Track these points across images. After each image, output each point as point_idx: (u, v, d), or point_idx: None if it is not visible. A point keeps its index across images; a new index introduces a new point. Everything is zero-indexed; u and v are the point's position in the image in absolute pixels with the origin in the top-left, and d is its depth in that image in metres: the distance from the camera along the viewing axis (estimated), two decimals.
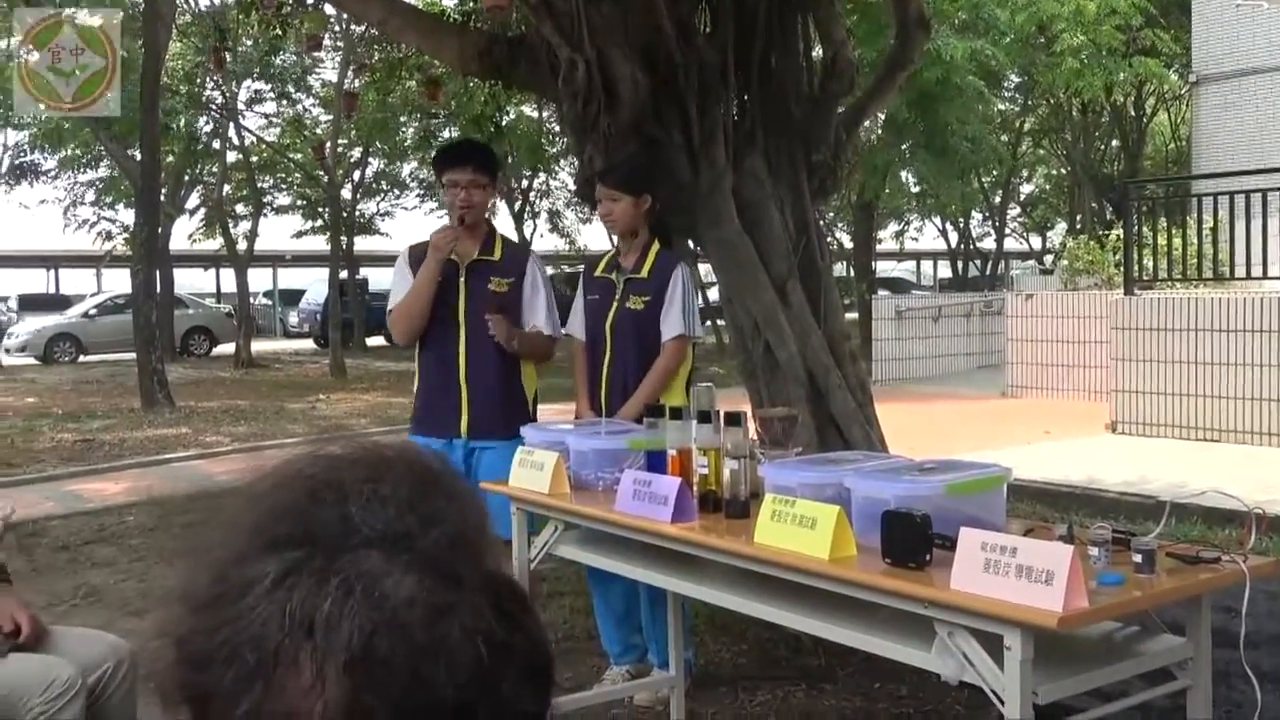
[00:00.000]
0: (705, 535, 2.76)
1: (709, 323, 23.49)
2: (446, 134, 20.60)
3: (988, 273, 30.97)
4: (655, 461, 3.14)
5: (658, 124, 5.32)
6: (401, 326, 4.05)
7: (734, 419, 2.84)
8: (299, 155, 23.64)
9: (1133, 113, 26.37)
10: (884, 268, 41.63)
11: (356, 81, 17.32)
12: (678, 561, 2.92)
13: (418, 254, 4.05)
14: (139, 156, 14.53)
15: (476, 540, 0.72)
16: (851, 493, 2.50)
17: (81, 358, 24.51)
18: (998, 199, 29.04)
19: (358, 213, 26.69)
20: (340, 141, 21.88)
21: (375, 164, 26.69)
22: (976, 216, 32.75)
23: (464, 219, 3.94)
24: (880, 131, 17.84)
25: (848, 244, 25.53)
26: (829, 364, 5.44)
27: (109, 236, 24.81)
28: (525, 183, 24.33)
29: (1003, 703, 2.08)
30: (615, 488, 3.04)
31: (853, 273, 23.45)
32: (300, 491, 0.70)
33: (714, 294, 23.26)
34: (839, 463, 2.76)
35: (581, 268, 4.63)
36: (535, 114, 21.65)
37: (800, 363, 5.42)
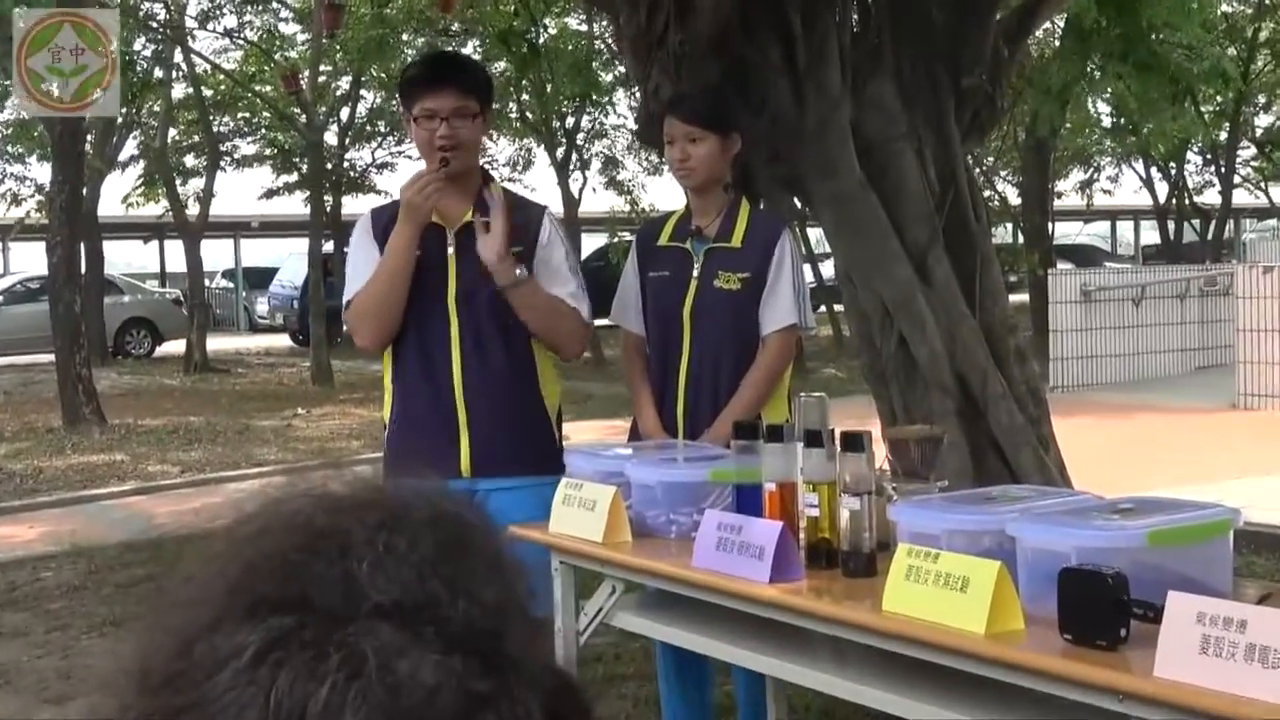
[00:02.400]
0: (815, 600, 2.76)
1: (821, 308, 23.42)
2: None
3: (1210, 237, 30.48)
4: (747, 499, 3.14)
5: (747, 39, 5.35)
6: (367, 325, 3.86)
7: (855, 442, 2.84)
8: (268, 88, 24.02)
9: None
10: (1065, 231, 41.26)
11: None
12: (778, 635, 2.93)
13: (384, 220, 3.92)
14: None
15: (520, 617, 0.73)
16: (1017, 543, 2.49)
17: None
18: (1224, 135, 28.55)
19: (346, 164, 27.09)
20: (322, 69, 22.21)
21: (369, 99, 27.08)
22: (1195, 160, 32.24)
23: (447, 162, 3.77)
24: (1058, 42, 17.64)
25: (1014, 199, 25.30)
26: (987, 365, 5.43)
27: (17, 200, 25.46)
28: (570, 120, 24.41)
29: None
30: (693, 535, 3.05)
31: (1021, 238, 23.23)
32: (293, 541, 0.71)
33: (827, 269, 23.20)
34: (1000, 501, 2.74)
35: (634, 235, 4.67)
36: (583, 27, 21.76)
37: (947, 364, 5.41)
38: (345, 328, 4.06)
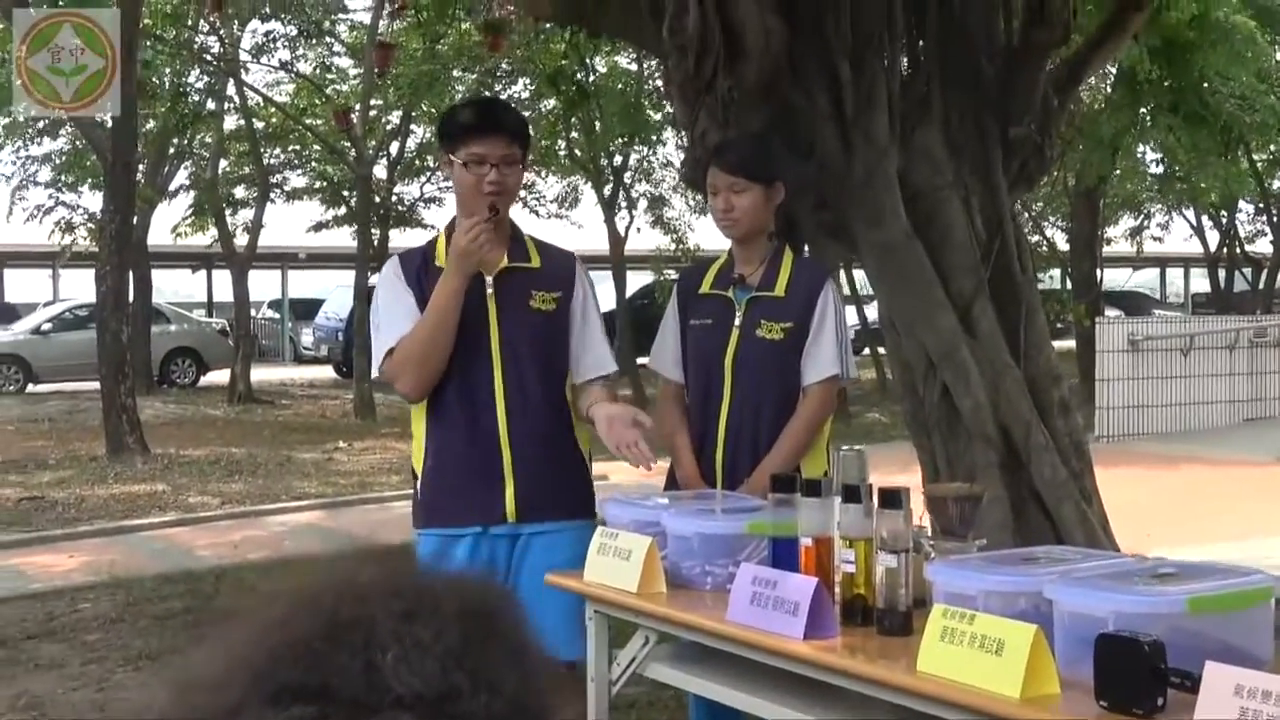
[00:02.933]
0: (849, 658, 2.75)
1: (865, 350, 23.39)
2: (508, 93, 20.92)
3: (1261, 287, 30.23)
4: (783, 553, 3.14)
5: (795, 85, 5.37)
6: (411, 374, 3.84)
7: (892, 498, 2.83)
8: (318, 121, 24.26)
9: None
10: (1114, 278, 40.99)
11: (394, 25, 17.70)
12: (812, 691, 2.91)
13: (415, 264, 3.94)
14: (108, 122, 14.99)
15: (540, 704, 0.73)
16: (1055, 606, 2.47)
17: (30, 387, 25.42)
18: (1277, 184, 28.36)
19: (394, 198, 27.25)
20: (373, 104, 22.41)
21: (419, 134, 27.25)
22: (1246, 208, 32.01)
23: (496, 209, 3.80)
24: (1109, 90, 17.60)
25: (1063, 244, 25.21)
26: (1030, 417, 5.40)
27: (69, 228, 25.68)
28: (618, 158, 24.51)
29: None
30: (728, 587, 3.05)
31: (1069, 285, 23.12)
32: (317, 629, 0.72)
33: (872, 311, 23.13)
34: (1038, 563, 2.73)
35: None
36: (633, 66, 21.90)
37: (990, 415, 5.39)
38: (377, 374, 4.03)
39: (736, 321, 4.09)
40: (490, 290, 3.89)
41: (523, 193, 30.39)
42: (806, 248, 5.39)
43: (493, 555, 3.88)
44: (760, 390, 4.05)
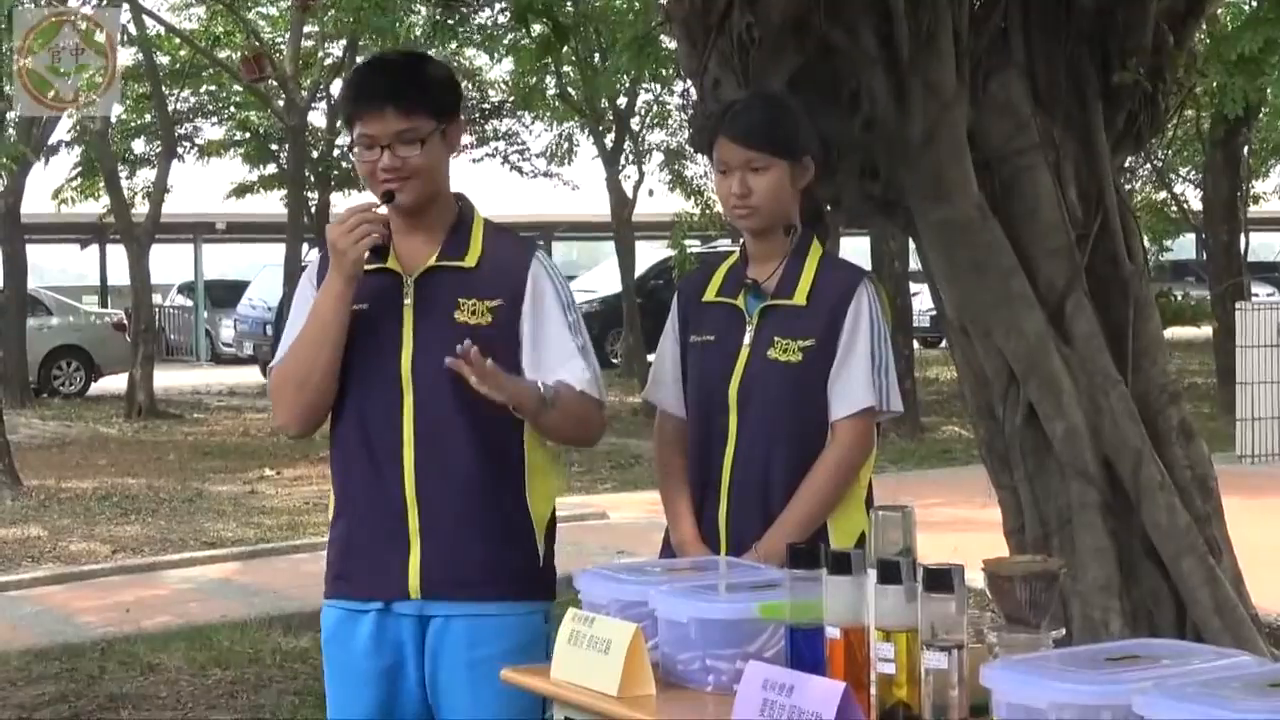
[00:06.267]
0: None
1: (943, 343, 23.33)
2: (476, 22, 20.83)
3: None
4: (804, 646, 3.11)
5: (835, 21, 5.35)
6: (288, 400, 3.90)
7: (942, 579, 2.80)
8: (238, 55, 24.27)
9: None
10: (1264, 245, 40.84)
11: None
12: None
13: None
14: None
15: None
16: None
17: None
18: None
19: (336, 153, 27.25)
20: (307, 32, 22.38)
21: None
22: None
23: (392, 197, 3.79)
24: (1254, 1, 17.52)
25: (1195, 203, 25.11)
26: (1141, 445, 5.41)
27: None
28: (623, 102, 24.49)
29: None
30: (736, 687, 3.02)
31: (1205, 257, 23.04)
32: None
33: (921, 300, 22.95)
34: (1134, 663, 2.69)
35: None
36: None
37: (1089, 443, 5.40)
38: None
39: (746, 338, 4.04)
40: (408, 298, 3.86)
41: (502, 145, 30.71)
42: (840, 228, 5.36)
43: (398, 638, 3.87)
44: (771, 428, 4.00)
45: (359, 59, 25.73)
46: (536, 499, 3.93)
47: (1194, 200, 25.72)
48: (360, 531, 3.90)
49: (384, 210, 3.82)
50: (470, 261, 3.91)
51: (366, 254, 3.78)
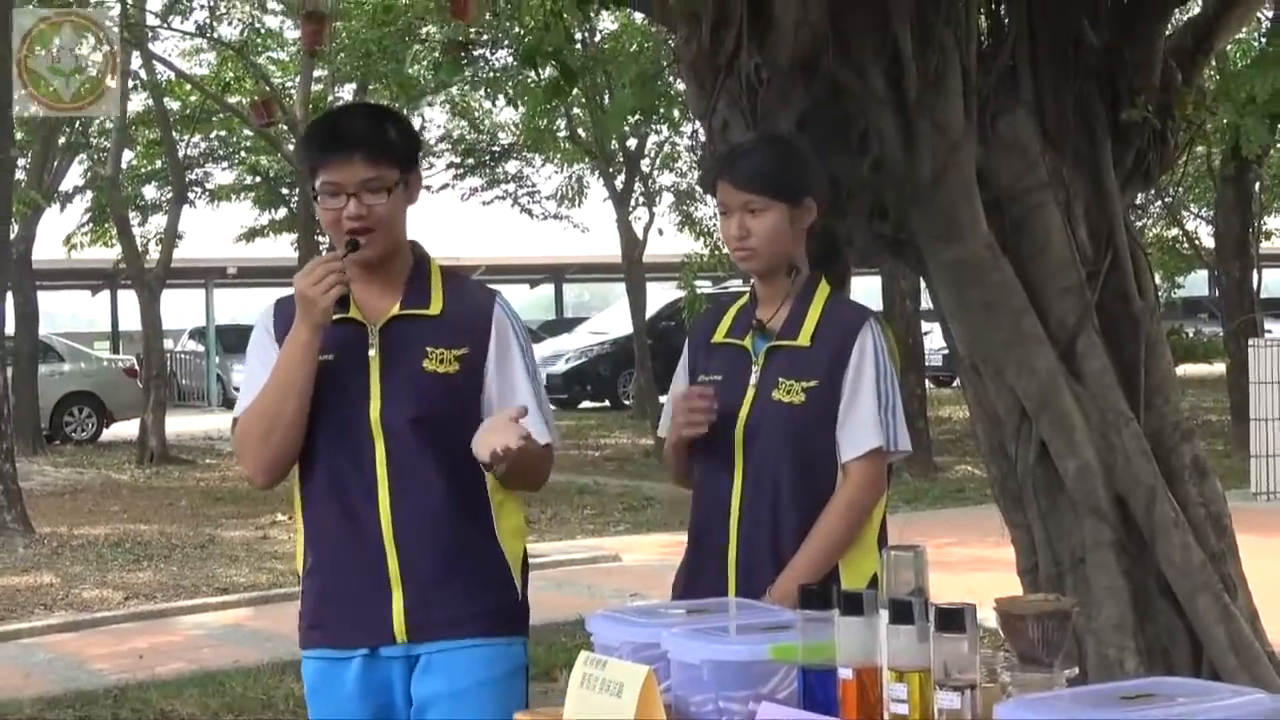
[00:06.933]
0: None
1: (955, 382, 23.31)
2: (484, 65, 20.86)
3: None
4: (816, 687, 3.10)
5: (843, 61, 5.36)
6: (254, 452, 3.90)
7: (953, 619, 2.79)
8: (247, 100, 24.36)
9: None
10: (1276, 280, 40.78)
11: None
12: None
13: (288, 315, 3.91)
14: None
15: None
16: None
17: None
18: None
19: None
20: (317, 75, 22.46)
21: None
22: None
23: (357, 246, 3.80)
24: (1262, 40, 17.56)
25: (1208, 240, 25.09)
26: (1154, 483, 5.40)
27: None
28: (631, 142, 24.54)
29: None
30: None
31: (1217, 294, 23.00)
32: None
33: (932, 339, 22.89)
34: (1149, 701, 2.68)
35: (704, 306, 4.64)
36: (652, 26, 21.90)
37: (1102, 480, 5.39)
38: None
39: (752, 379, 4.04)
40: (373, 350, 3.88)
41: (512, 187, 30.77)
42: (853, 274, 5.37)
43: (386, 680, 3.90)
44: (777, 469, 3.99)
45: (368, 101, 25.94)
46: (507, 537, 3.98)
47: (1206, 237, 25.74)
48: (337, 580, 3.91)
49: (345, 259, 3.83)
50: (435, 310, 3.94)
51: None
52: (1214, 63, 7.73)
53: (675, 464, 4.28)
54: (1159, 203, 23.92)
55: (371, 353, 3.88)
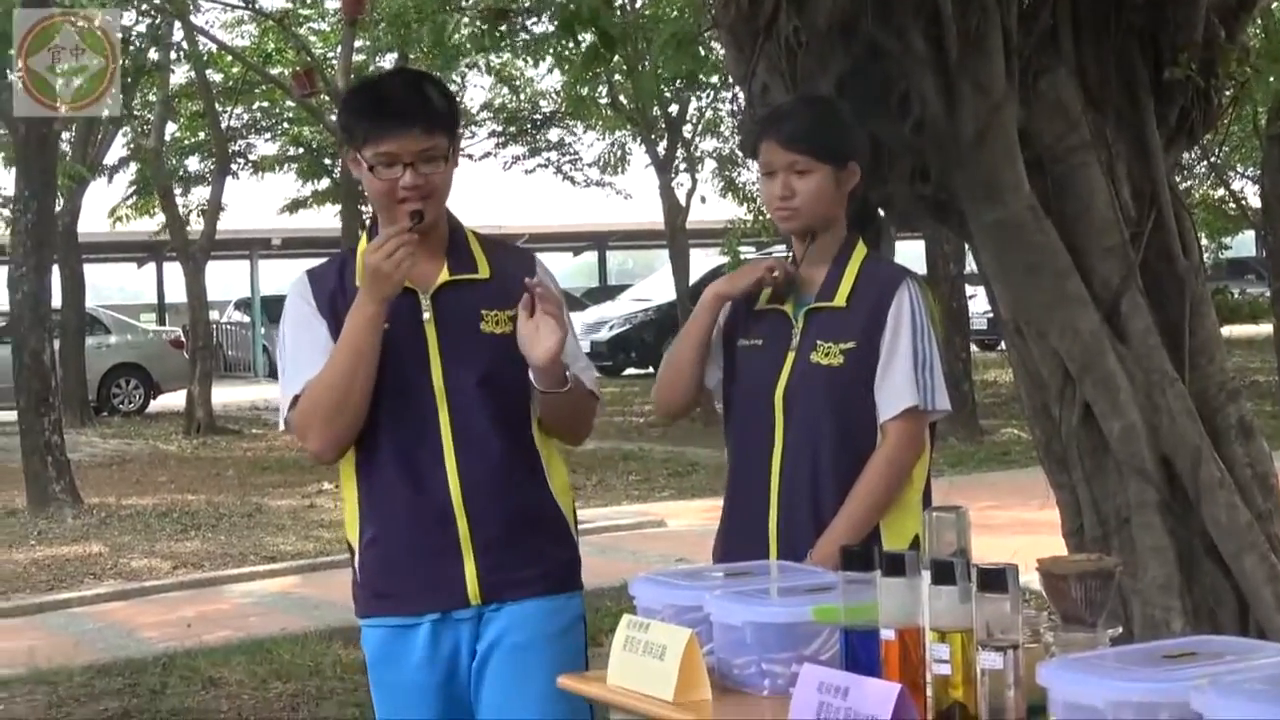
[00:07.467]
0: None
1: (1001, 345, 23.21)
2: (524, 33, 20.82)
3: None
4: (859, 648, 3.09)
5: (883, 23, 5.33)
6: (322, 428, 3.86)
7: (996, 579, 2.79)
8: (289, 70, 24.35)
9: None
10: None
11: None
12: None
13: (329, 286, 3.94)
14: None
15: None
16: None
17: None
18: None
19: None
20: (358, 45, 22.44)
21: None
22: None
23: (421, 217, 3.79)
24: None
25: (1254, 200, 24.91)
26: (1200, 443, 5.37)
27: None
28: (673, 108, 24.45)
29: None
30: (791, 691, 3.02)
31: (1265, 254, 22.85)
32: None
33: (977, 302, 22.79)
34: (1191, 660, 2.66)
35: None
36: None
37: (1147, 441, 5.36)
38: (283, 428, 4.06)
39: (793, 342, 4.04)
40: (427, 314, 3.88)
41: (554, 155, 30.75)
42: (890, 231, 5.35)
43: (455, 643, 3.92)
44: (817, 431, 4.00)
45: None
46: (559, 492, 4.02)
47: (1253, 197, 25.54)
48: (405, 547, 3.91)
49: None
50: (484, 274, 3.97)
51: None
52: (1258, 19, 7.63)
53: (682, 351, 4.28)
54: (1205, 163, 23.72)
55: (425, 317, 3.88)
